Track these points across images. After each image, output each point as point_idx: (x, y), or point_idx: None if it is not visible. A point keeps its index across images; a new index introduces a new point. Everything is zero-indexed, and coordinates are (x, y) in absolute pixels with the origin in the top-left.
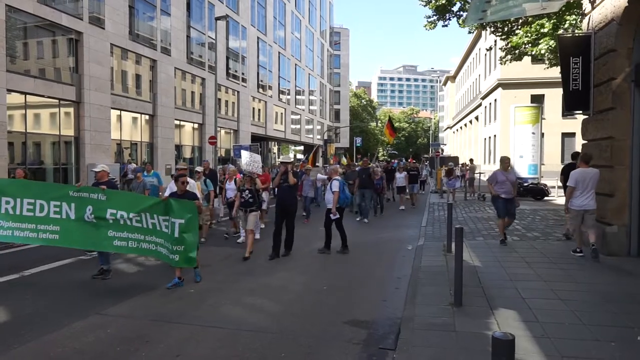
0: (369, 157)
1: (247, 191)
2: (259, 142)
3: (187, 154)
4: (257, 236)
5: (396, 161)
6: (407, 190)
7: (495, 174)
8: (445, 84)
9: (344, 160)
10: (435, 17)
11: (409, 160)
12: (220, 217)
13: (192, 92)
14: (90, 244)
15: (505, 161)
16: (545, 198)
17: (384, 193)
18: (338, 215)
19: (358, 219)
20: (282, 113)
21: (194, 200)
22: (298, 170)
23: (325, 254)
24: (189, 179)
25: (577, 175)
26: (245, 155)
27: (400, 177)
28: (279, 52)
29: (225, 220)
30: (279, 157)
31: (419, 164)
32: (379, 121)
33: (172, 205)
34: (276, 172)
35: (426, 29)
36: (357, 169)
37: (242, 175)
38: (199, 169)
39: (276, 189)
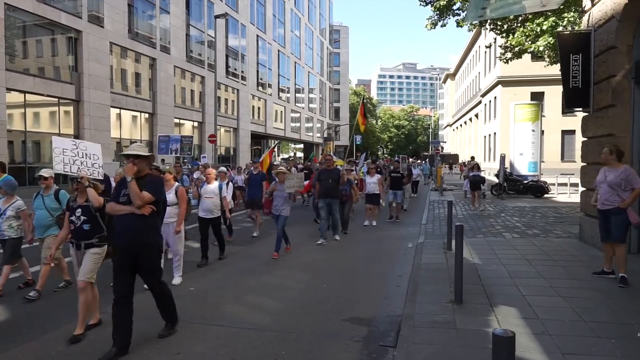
0: (367, 156)
1: (79, 210)
2: (259, 140)
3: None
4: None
5: (397, 159)
6: (390, 200)
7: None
8: (445, 81)
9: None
10: (436, 17)
11: (406, 159)
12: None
13: (192, 91)
14: None
15: (605, 153)
16: (545, 195)
17: (352, 202)
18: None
19: (319, 242)
20: (281, 111)
21: None
22: (256, 172)
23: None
24: None
25: None
26: (62, 145)
27: (372, 182)
28: (279, 50)
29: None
30: (278, 156)
31: (400, 163)
32: (379, 119)
33: None
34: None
35: (427, 29)
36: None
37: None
38: (45, 172)
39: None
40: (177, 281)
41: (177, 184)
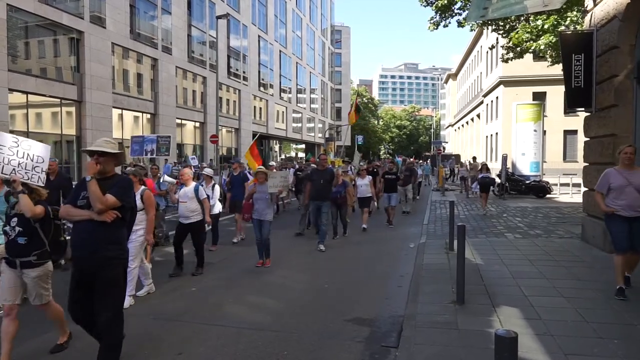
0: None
1: (14, 219)
2: (261, 140)
3: (189, 152)
4: None
5: (400, 159)
6: (386, 205)
7: (606, 175)
8: (446, 81)
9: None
10: (438, 18)
11: (407, 160)
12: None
13: (194, 91)
14: None
15: (624, 153)
16: (548, 196)
17: (348, 206)
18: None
19: (321, 245)
20: (283, 111)
21: None
22: (237, 172)
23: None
24: None
25: None
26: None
27: (364, 185)
28: (280, 51)
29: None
30: (280, 156)
31: (395, 164)
32: (381, 119)
33: None
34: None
35: (430, 30)
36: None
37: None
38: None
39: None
40: (126, 302)
41: (142, 187)
